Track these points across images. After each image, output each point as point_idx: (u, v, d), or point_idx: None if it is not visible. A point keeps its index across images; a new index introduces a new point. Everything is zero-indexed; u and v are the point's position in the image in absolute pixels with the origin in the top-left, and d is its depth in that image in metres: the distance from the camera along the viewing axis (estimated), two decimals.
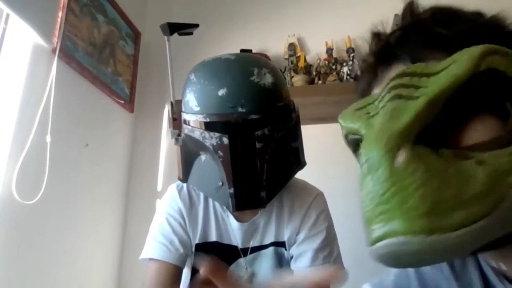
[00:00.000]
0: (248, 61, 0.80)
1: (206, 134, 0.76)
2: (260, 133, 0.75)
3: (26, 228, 1.16)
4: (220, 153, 0.75)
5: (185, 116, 0.81)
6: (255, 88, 0.76)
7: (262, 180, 0.76)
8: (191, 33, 0.91)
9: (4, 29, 1.18)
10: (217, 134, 0.75)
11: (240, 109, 0.74)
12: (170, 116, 0.86)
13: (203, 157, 0.82)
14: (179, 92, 0.84)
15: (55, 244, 1.28)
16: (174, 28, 0.87)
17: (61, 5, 1.34)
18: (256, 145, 0.75)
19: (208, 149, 0.77)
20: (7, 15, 1.17)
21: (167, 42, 0.87)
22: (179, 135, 0.84)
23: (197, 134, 0.78)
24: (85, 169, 1.46)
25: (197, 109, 0.77)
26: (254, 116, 0.74)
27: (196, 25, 0.90)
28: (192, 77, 0.80)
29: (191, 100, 0.78)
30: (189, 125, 0.80)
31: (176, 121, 0.85)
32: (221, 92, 0.74)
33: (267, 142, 0.76)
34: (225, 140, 0.75)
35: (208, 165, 0.81)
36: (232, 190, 0.76)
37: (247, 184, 0.77)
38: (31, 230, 1.18)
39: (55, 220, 1.29)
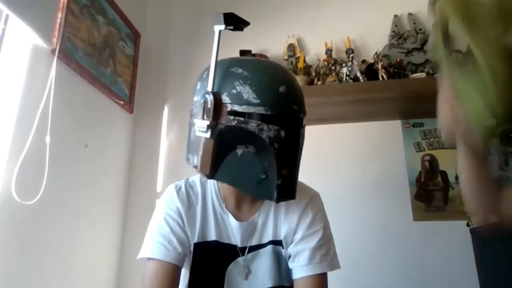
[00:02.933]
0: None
1: (264, 126, 0.78)
2: (302, 131, 0.84)
3: (26, 229, 1.16)
4: (276, 145, 0.79)
5: (235, 107, 0.79)
6: (301, 91, 0.85)
7: (297, 173, 0.84)
8: (242, 29, 0.92)
9: (4, 30, 1.18)
10: (275, 127, 0.79)
11: (295, 107, 0.81)
12: (209, 106, 0.81)
13: (239, 151, 0.82)
14: (188, 90, 0.83)
15: (54, 244, 1.28)
16: (230, 21, 0.86)
17: (61, 6, 1.34)
18: (300, 141, 0.83)
19: (262, 141, 0.79)
20: (7, 16, 1.17)
21: (216, 33, 0.84)
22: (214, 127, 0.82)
23: (253, 126, 0.79)
24: (85, 169, 1.46)
25: (257, 101, 0.78)
26: (301, 115, 0.83)
27: (248, 23, 0.91)
28: (240, 71, 0.81)
29: (246, 92, 0.79)
30: (243, 116, 0.79)
31: (216, 112, 0.81)
32: (282, 88, 0.80)
33: (303, 140, 0.85)
34: (283, 133, 0.79)
35: (246, 159, 0.81)
36: (279, 182, 0.79)
37: (291, 177, 0.82)
38: (31, 230, 1.18)
39: (54, 220, 1.29)
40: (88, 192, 1.48)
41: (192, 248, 0.87)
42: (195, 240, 0.87)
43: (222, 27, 0.85)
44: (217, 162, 0.83)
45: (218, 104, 0.81)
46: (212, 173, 0.83)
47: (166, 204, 0.90)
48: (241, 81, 0.80)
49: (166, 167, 1.84)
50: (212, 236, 0.88)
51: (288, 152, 0.81)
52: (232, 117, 0.79)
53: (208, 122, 0.80)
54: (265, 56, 1.78)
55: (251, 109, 0.79)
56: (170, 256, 0.83)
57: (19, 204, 1.11)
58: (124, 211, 1.75)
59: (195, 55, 1.92)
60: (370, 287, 1.55)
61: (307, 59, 1.80)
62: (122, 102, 1.73)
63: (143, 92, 1.92)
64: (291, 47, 1.81)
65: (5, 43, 1.18)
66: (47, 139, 1.22)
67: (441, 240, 1.58)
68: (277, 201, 0.81)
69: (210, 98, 0.81)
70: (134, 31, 1.89)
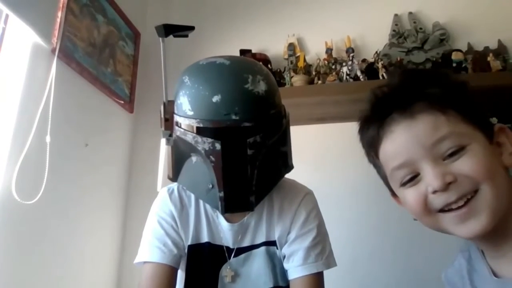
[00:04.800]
0: (243, 67, 0.81)
1: (199, 138, 0.77)
2: (252, 140, 0.76)
3: (26, 228, 1.16)
4: (212, 158, 0.77)
5: (178, 118, 0.81)
6: (249, 96, 0.77)
7: (252, 185, 0.78)
8: (187, 36, 0.92)
9: (4, 29, 1.18)
10: (209, 140, 0.76)
11: (233, 117, 0.75)
12: (162, 116, 0.86)
13: (194, 158, 0.83)
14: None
15: (54, 244, 1.28)
16: (170, 30, 0.88)
17: (61, 5, 1.34)
18: (247, 152, 0.76)
19: (200, 153, 0.78)
20: (7, 16, 1.17)
21: (161, 44, 0.87)
22: (170, 135, 0.85)
23: (190, 137, 0.78)
24: (85, 169, 1.46)
25: (191, 113, 0.78)
26: (246, 124, 0.76)
27: (192, 28, 0.91)
28: (186, 80, 0.80)
29: (184, 103, 0.79)
30: (181, 127, 0.80)
31: (168, 122, 0.85)
32: (216, 98, 0.75)
33: (258, 149, 0.77)
34: (218, 146, 0.76)
35: (198, 167, 0.81)
36: (222, 194, 0.77)
37: (237, 189, 0.78)
38: (31, 230, 1.18)
39: (54, 220, 1.29)
40: (89, 191, 1.48)
41: (186, 250, 0.87)
42: (189, 242, 0.87)
43: (164, 37, 0.87)
44: (178, 167, 0.86)
45: (167, 114, 0.84)
46: (174, 176, 0.88)
47: (159, 207, 0.91)
48: (183, 91, 0.80)
49: (167, 166, 1.83)
50: (205, 238, 0.88)
51: (228, 165, 0.76)
52: (176, 127, 0.81)
53: (163, 131, 0.84)
54: (265, 56, 1.78)
55: (186, 121, 0.79)
56: (166, 258, 0.83)
57: (20, 204, 1.11)
58: (125, 210, 1.75)
59: (195, 54, 1.91)
60: (369, 287, 1.55)
61: (307, 58, 1.80)
62: (122, 102, 1.73)
63: (144, 92, 1.92)
64: (291, 46, 1.81)
65: (5, 42, 1.18)
66: (47, 139, 1.22)
67: (441, 239, 1.56)
68: (223, 213, 0.82)
69: (161, 108, 0.85)
70: (134, 30, 1.89)
